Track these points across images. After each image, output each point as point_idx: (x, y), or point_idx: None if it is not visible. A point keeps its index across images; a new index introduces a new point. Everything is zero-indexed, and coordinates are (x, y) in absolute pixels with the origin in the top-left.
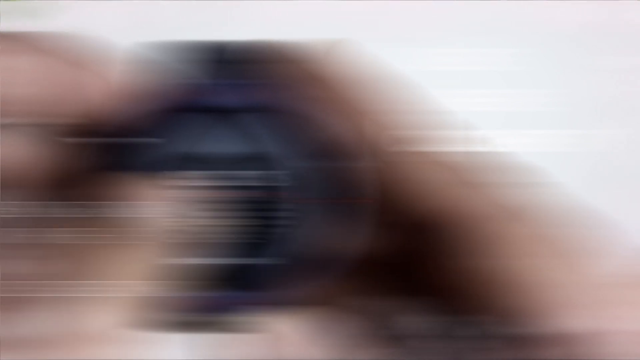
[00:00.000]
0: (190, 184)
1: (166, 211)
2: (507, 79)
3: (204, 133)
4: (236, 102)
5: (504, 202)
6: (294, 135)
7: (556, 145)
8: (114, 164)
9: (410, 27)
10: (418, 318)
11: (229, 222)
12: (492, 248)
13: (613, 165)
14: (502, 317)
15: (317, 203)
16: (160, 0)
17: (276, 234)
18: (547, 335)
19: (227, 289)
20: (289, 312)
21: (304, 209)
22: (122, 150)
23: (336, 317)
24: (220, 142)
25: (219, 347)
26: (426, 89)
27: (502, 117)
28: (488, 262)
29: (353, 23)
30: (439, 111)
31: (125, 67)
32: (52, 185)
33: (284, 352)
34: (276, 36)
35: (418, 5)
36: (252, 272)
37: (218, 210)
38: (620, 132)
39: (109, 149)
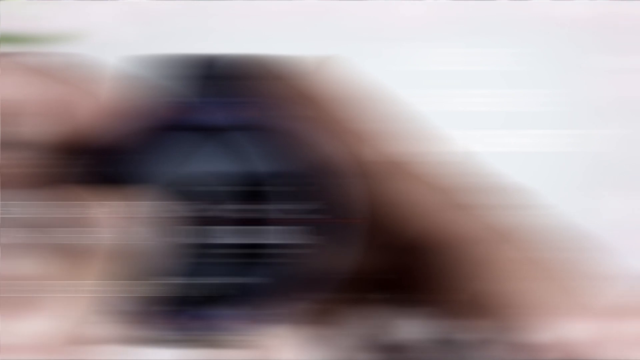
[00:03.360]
0: (179, 202)
1: (154, 228)
2: (507, 79)
3: (192, 151)
4: (224, 120)
5: (495, 224)
6: (283, 154)
7: (556, 145)
8: (101, 179)
9: (410, 27)
10: (410, 332)
11: (218, 241)
12: (483, 270)
13: (613, 166)
14: (493, 340)
15: (307, 222)
16: (160, 1)
17: (266, 252)
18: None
19: (218, 307)
20: (280, 329)
21: (294, 228)
22: (110, 166)
23: (328, 331)
24: (209, 160)
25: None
26: (414, 104)
27: (502, 117)
28: (479, 284)
29: (353, 23)
30: (430, 132)
31: (114, 84)
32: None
33: None
34: (274, 34)
35: (418, 5)
36: (242, 291)
37: (207, 228)
38: (620, 133)
39: (97, 166)
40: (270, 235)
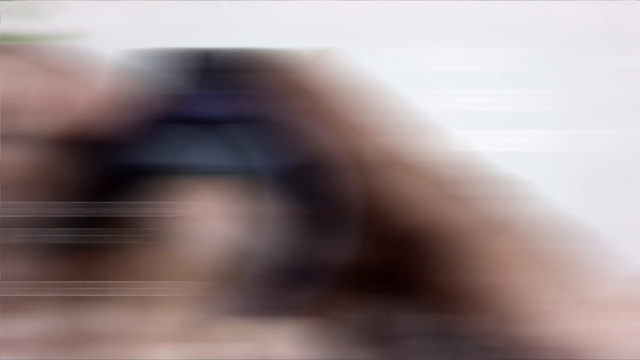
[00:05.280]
0: (177, 195)
1: (151, 222)
2: (507, 79)
3: (189, 144)
4: (222, 113)
5: (492, 216)
6: (280, 146)
7: (556, 145)
8: (99, 171)
9: (410, 27)
10: (406, 325)
11: (215, 234)
12: (479, 263)
13: (613, 166)
14: (490, 332)
15: (303, 215)
16: (159, 0)
17: (263, 245)
18: (533, 351)
19: (219, 301)
20: (278, 323)
21: (290, 221)
22: (107, 159)
23: (326, 324)
24: (206, 153)
25: (208, 354)
26: (412, 100)
27: (502, 117)
28: (476, 277)
29: (353, 23)
30: (426, 123)
31: (112, 77)
32: (42, 192)
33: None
34: (274, 36)
35: (418, 5)
36: (242, 285)
37: (204, 221)
38: (620, 132)
39: (95, 158)
40: (268, 229)
